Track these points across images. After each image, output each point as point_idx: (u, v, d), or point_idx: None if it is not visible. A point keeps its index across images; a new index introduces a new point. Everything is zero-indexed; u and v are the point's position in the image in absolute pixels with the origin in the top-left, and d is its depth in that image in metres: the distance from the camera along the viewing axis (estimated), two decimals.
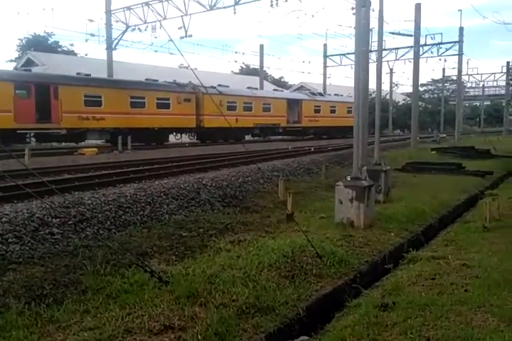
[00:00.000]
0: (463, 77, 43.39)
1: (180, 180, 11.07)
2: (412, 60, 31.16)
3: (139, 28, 28.54)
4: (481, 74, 56.92)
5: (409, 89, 44.93)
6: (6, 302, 4.49)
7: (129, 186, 10.55)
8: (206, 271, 5.51)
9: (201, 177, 11.76)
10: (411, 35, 29.69)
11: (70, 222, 7.26)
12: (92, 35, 28.86)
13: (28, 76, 22.20)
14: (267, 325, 4.37)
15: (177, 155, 18.33)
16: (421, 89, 65.92)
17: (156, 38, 28.64)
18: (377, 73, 12.34)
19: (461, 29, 35.43)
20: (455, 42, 35.80)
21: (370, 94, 24.45)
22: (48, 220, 7.18)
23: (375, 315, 4.49)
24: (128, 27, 28.74)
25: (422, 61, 33.11)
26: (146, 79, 27.34)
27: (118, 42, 29.47)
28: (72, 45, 50.67)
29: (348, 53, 40.35)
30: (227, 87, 31.78)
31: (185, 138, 30.69)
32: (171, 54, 30.84)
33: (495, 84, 65.55)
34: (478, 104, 78.83)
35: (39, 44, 46.50)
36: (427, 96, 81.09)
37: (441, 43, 35.87)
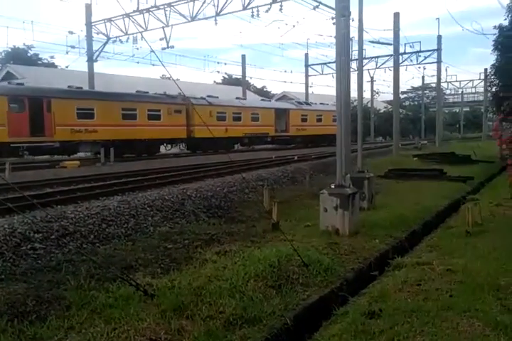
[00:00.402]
0: (442, 84, 44.11)
1: (165, 192, 11.02)
2: (392, 68, 31.60)
3: (120, 40, 28.48)
4: (460, 81, 58.18)
5: (390, 97, 45.50)
6: None
7: (113, 199, 10.46)
8: (192, 283, 5.46)
9: (185, 188, 11.73)
10: (390, 44, 30.10)
11: (53, 237, 7.17)
12: (73, 47, 28.73)
13: (22, 90, 22.29)
14: (254, 336, 4.33)
15: (161, 166, 18.24)
16: (401, 96, 66.88)
17: (137, 49, 28.63)
18: (358, 81, 12.51)
19: (440, 37, 36.13)
20: (434, 50, 36.45)
21: (352, 103, 24.68)
22: (30, 235, 7.08)
23: (362, 323, 4.49)
24: (109, 39, 28.68)
25: (401, 69, 33.71)
26: (136, 91, 27.63)
27: (99, 54, 29.36)
28: (52, 57, 50.46)
29: (329, 62, 40.79)
30: (217, 97, 32.31)
31: (176, 149, 30.91)
32: (153, 65, 30.90)
33: (473, 90, 66.86)
34: (457, 110, 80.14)
35: (19, 57, 46.13)
36: (407, 103, 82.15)
37: (420, 51, 36.54)
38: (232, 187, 12.43)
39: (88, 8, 28.24)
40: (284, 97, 59.16)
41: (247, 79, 44.69)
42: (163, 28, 26.69)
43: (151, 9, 26.09)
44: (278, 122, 36.29)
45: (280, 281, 5.62)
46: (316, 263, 6.14)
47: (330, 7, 23.83)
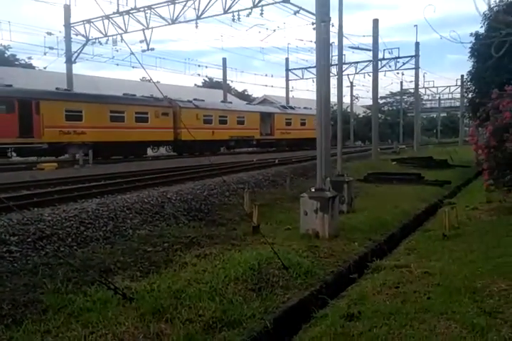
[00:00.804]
0: (420, 90, 44.69)
1: (144, 194, 10.91)
2: (371, 74, 31.98)
3: (99, 42, 28.18)
4: (437, 87, 59.37)
5: (369, 102, 46.11)
6: None
7: (91, 201, 10.33)
8: (172, 286, 5.43)
9: (165, 190, 11.64)
10: (370, 50, 30.47)
11: (29, 240, 7.04)
12: (51, 48, 28.32)
13: (10, 91, 22.28)
14: (234, 340, 4.32)
15: (140, 168, 18.08)
16: (380, 101, 67.71)
17: (117, 51, 28.41)
18: (338, 86, 12.63)
19: (417, 44, 36.67)
20: (412, 56, 37.00)
21: (332, 107, 24.90)
22: (6, 238, 6.94)
23: (342, 325, 4.52)
24: (88, 40, 28.35)
25: (380, 74, 34.19)
26: (124, 94, 27.69)
27: (78, 55, 29.00)
28: (30, 58, 49.66)
29: (310, 67, 41.05)
30: (203, 101, 32.63)
31: (162, 152, 31.07)
32: (133, 67, 30.79)
33: (450, 96, 68.02)
34: (434, 115, 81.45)
35: None
36: (386, 108, 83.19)
37: (399, 57, 37.06)
38: (213, 190, 12.39)
39: (67, 9, 27.90)
40: (265, 101, 59.25)
41: (228, 82, 44.70)
42: (143, 30, 26.53)
43: (131, 11, 25.89)
44: (263, 126, 36.77)
45: (260, 284, 5.62)
46: (296, 266, 6.16)
47: (310, 12, 23.97)
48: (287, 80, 45.11)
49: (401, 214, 10.59)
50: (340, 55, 13.05)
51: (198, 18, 24.79)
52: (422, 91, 53.43)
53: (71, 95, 24.82)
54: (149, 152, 29.51)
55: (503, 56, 11.50)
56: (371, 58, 31.29)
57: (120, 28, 26.62)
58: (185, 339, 4.16)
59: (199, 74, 40.95)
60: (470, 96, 23.78)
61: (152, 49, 27.73)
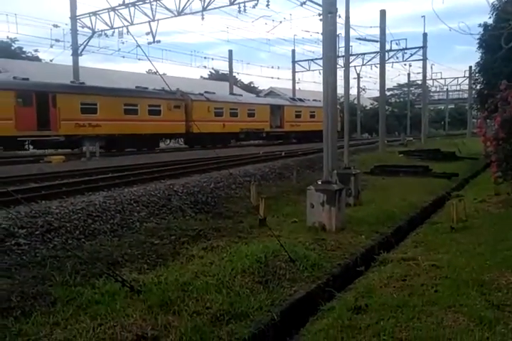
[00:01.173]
0: (427, 81, 44.46)
1: (151, 187, 10.94)
2: (378, 65, 31.76)
3: (105, 34, 28.17)
4: (445, 78, 58.64)
5: (376, 94, 45.87)
6: None
7: (98, 194, 10.38)
8: (179, 278, 5.45)
9: (172, 183, 11.66)
10: (377, 41, 30.23)
11: (38, 232, 7.08)
12: (57, 40, 28.37)
13: (29, 85, 22.65)
14: (241, 332, 4.33)
15: (147, 161, 18.12)
16: (387, 93, 67.18)
17: (123, 43, 28.39)
18: (344, 78, 12.54)
19: (425, 35, 36.36)
20: (419, 47, 36.69)
21: (339, 99, 24.77)
22: (14, 231, 6.99)
23: (349, 318, 4.52)
24: (94, 32, 28.34)
25: (387, 66, 33.90)
26: (136, 87, 28.00)
27: (84, 47, 29.01)
28: (36, 51, 49.70)
29: (316, 59, 40.84)
30: (214, 93, 33.00)
31: (174, 144, 31.59)
32: (139, 60, 30.69)
33: (458, 88, 67.47)
34: (442, 107, 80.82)
35: (2, 50, 45.37)
36: (393, 100, 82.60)
37: (406, 49, 36.73)
38: (219, 183, 12.40)
39: (73, 1, 27.86)
40: (271, 93, 59.14)
41: (234, 74, 44.58)
42: (149, 22, 26.45)
43: (137, 3, 25.84)
44: (273, 118, 36.92)
45: (267, 277, 5.63)
46: (302, 259, 6.16)
47: (317, 4, 23.82)
48: (293, 72, 44.93)
49: (408, 206, 10.55)
50: (347, 46, 12.97)
51: (204, 9, 24.69)
52: (429, 82, 53.16)
53: (86, 88, 25.13)
54: (161, 144, 29.90)
55: None
56: (378, 49, 31.05)
57: (126, 20, 26.59)
58: (192, 332, 4.17)
59: (205, 67, 40.95)
60: (478, 87, 23.55)
61: (158, 41, 27.70)
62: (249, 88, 66.54)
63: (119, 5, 26.11)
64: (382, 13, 28.67)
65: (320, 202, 8.28)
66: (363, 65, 41.15)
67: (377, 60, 34.25)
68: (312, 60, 42.35)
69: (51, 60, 33.06)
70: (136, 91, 27.58)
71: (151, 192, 10.35)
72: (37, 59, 49.22)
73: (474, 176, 17.63)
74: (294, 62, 44.42)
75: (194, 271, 5.71)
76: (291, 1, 24.67)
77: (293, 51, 44.00)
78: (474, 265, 5.88)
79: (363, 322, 4.41)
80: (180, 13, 25.26)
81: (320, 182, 8.62)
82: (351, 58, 34.24)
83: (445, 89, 68.95)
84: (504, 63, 19.39)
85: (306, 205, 8.59)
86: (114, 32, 27.67)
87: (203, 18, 25.22)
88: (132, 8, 26.13)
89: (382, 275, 5.82)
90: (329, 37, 9.31)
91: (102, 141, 24.85)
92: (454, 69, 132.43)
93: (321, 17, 9.96)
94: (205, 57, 38.98)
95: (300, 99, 41.01)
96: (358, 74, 46.57)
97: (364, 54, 39.70)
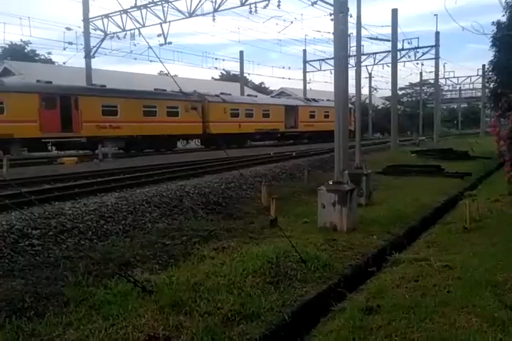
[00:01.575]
0: (440, 80, 44.08)
1: (162, 188, 11.01)
2: (390, 65, 31.59)
3: (117, 36, 28.37)
4: (458, 77, 58.12)
5: (388, 93, 45.66)
6: None
7: (110, 195, 10.45)
8: (190, 279, 5.47)
9: (183, 184, 11.72)
10: (388, 40, 30.09)
11: (51, 233, 7.16)
12: (70, 43, 28.61)
13: (52, 88, 23.21)
14: (252, 332, 4.34)
15: (158, 162, 18.21)
16: (399, 92, 66.78)
17: (135, 45, 28.57)
18: (356, 78, 12.48)
19: (437, 33, 36.06)
20: (431, 46, 36.39)
21: (350, 99, 24.70)
22: (28, 232, 7.07)
23: (360, 319, 4.50)
24: (106, 35, 28.56)
25: (399, 65, 33.74)
26: (154, 89, 28.28)
27: (96, 50, 29.25)
28: (49, 53, 50.22)
29: (327, 58, 40.73)
30: (230, 94, 33.44)
31: (191, 145, 32.22)
32: (151, 61, 30.89)
33: (471, 86, 66.78)
34: (455, 106, 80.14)
35: (16, 53, 45.97)
36: (405, 99, 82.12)
37: (418, 47, 36.47)
38: (230, 184, 12.43)
39: (85, 4, 28.10)
40: (282, 93, 59.14)
41: (245, 75, 44.67)
42: (160, 24, 26.60)
43: (149, 5, 25.99)
44: (287, 118, 37.09)
45: (278, 277, 5.62)
46: (313, 260, 6.14)
47: (328, 3, 23.75)
48: (305, 72, 44.86)
49: (420, 206, 10.47)
50: (359, 45, 12.89)
51: (215, 10, 24.75)
52: (442, 81, 52.69)
53: (107, 91, 25.63)
54: (178, 145, 30.42)
55: None
56: (390, 49, 30.89)
57: (138, 22, 26.78)
58: (204, 332, 4.19)
59: (216, 68, 40.99)
60: (491, 86, 23.34)
61: (170, 43, 27.84)
62: (260, 88, 66.57)
63: (131, 7, 26.29)
64: (394, 12, 28.53)
65: (331, 203, 8.25)
66: (374, 64, 40.96)
67: (388, 59, 34.14)
68: (323, 59, 42.25)
69: (64, 63, 33.55)
70: (154, 93, 27.98)
71: (162, 192, 10.41)
72: (50, 61, 49.72)
73: (488, 176, 17.43)
74: (305, 62, 44.36)
75: (205, 272, 5.72)
76: (302, 1, 24.66)
77: (304, 51, 43.99)
78: (488, 265, 5.81)
79: (374, 323, 4.39)
80: (191, 14, 25.36)
81: (331, 183, 8.59)
82: (363, 58, 34.12)
83: (458, 88, 68.33)
84: None
85: (317, 206, 8.57)
86: (126, 34, 27.88)
87: (214, 19, 25.33)
88: (144, 10, 26.31)
89: (394, 275, 5.78)
90: (340, 36, 9.27)
91: (122, 142, 25.60)
92: (466, 67, 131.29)
93: (332, 17, 9.95)
94: (216, 58, 38.92)
95: (314, 100, 41.08)
96: (370, 74, 46.35)
97: (376, 53, 39.55)
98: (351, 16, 13.21)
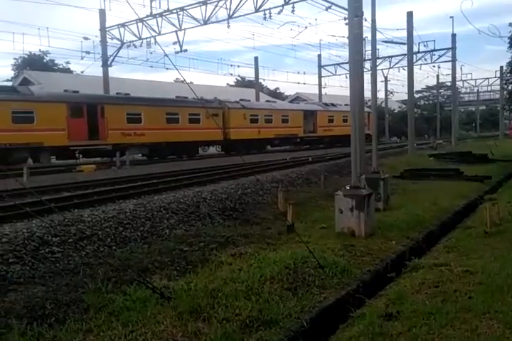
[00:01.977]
0: (457, 82, 43.67)
1: (180, 195, 11.06)
2: (406, 68, 31.38)
3: (133, 44, 28.76)
4: (475, 79, 57.38)
5: (405, 97, 45.29)
6: (8, 323, 4.45)
7: (129, 202, 10.54)
8: (208, 285, 5.48)
9: (200, 190, 11.76)
10: (404, 43, 29.88)
11: (70, 240, 7.24)
12: (88, 52, 29.07)
13: (79, 97, 24.01)
14: (271, 339, 4.33)
15: (175, 169, 18.33)
16: (416, 96, 66.29)
17: (151, 53, 28.89)
18: (372, 81, 12.44)
19: (454, 36, 35.76)
20: (448, 48, 36.10)
21: (366, 103, 24.58)
22: (48, 239, 7.16)
23: (380, 325, 4.46)
24: (123, 43, 28.94)
25: (415, 68, 33.42)
26: (176, 97, 28.75)
27: (113, 58, 29.67)
28: (67, 62, 50.94)
29: (343, 63, 40.66)
30: (249, 101, 34.07)
31: (212, 150, 32.64)
32: (167, 69, 31.20)
33: (489, 89, 65.96)
34: (473, 109, 79.21)
35: (35, 63, 46.74)
36: (422, 102, 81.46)
37: (435, 50, 36.24)
38: (247, 189, 12.44)
39: (102, 13, 28.52)
40: (297, 99, 59.09)
41: (260, 81, 44.75)
42: (176, 31, 26.87)
43: (164, 13, 26.27)
44: (306, 123, 37.31)
45: (296, 283, 5.60)
46: (332, 265, 6.11)
47: (342, 8, 23.77)
48: (320, 77, 44.81)
49: (439, 211, 10.35)
50: (374, 49, 12.87)
51: (230, 17, 24.93)
52: (459, 84, 52.14)
53: (131, 99, 26.28)
54: (200, 151, 30.82)
55: None
56: (405, 52, 30.68)
57: (154, 30, 27.08)
58: (222, 338, 4.19)
59: (231, 74, 41.16)
60: (510, 87, 23.01)
61: (185, 50, 28.13)
62: (276, 94, 66.60)
63: (147, 16, 26.60)
64: (409, 14, 28.34)
65: (349, 208, 8.21)
66: (390, 67, 40.82)
67: (404, 62, 33.96)
68: (338, 64, 42.22)
69: (82, 72, 33.81)
70: (176, 100, 28.46)
71: (179, 199, 10.46)
72: (68, 71, 50.44)
73: (508, 179, 17.18)
74: (320, 66, 44.32)
75: (223, 278, 5.73)
76: (316, 6, 24.72)
77: (319, 56, 43.93)
78: (509, 270, 5.71)
79: (394, 330, 4.35)
80: (206, 21, 25.57)
81: (348, 188, 8.55)
82: (378, 61, 33.90)
83: (475, 90, 67.57)
84: None
85: (334, 211, 8.53)
86: (142, 42, 28.23)
87: (228, 26, 25.52)
88: (160, 19, 26.61)
89: (413, 281, 5.72)
90: (355, 40, 9.28)
91: (146, 149, 26.26)
92: (484, 69, 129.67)
93: (347, 21, 9.94)
94: (231, 65, 39.13)
95: (332, 104, 41.16)
96: (386, 77, 46.16)
97: (391, 57, 39.35)
98: (366, 20, 13.26)
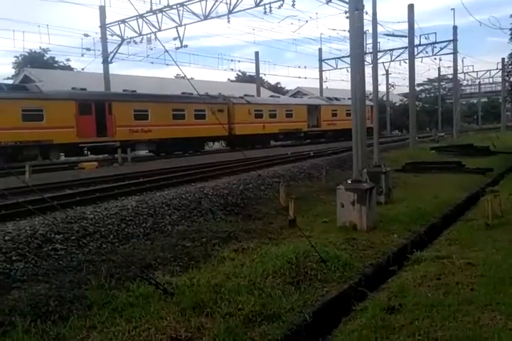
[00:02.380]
0: (459, 75, 43.41)
1: (182, 191, 11.08)
2: (407, 61, 31.26)
3: (134, 41, 28.63)
4: (477, 71, 57.15)
5: (406, 90, 45.12)
6: (12, 321, 4.48)
7: (131, 199, 10.55)
8: (211, 280, 5.50)
9: (202, 186, 11.77)
10: (405, 36, 29.78)
11: (73, 237, 7.27)
12: (88, 49, 29.01)
13: (87, 94, 24.30)
14: (274, 333, 4.34)
15: (177, 165, 18.34)
16: (417, 88, 66.06)
17: (151, 49, 28.79)
18: (373, 75, 12.39)
19: (455, 28, 35.54)
20: (449, 41, 35.89)
21: (367, 96, 24.51)
22: (51, 236, 7.19)
23: (382, 318, 4.47)
24: (123, 40, 28.84)
25: (417, 61, 33.32)
26: (182, 93, 28.86)
27: (114, 55, 29.57)
28: (68, 60, 50.83)
29: (343, 56, 40.48)
30: (253, 96, 34.39)
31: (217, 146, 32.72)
32: (167, 65, 31.10)
33: (491, 81, 65.68)
34: (475, 101, 78.86)
35: (35, 60, 46.68)
36: (423, 95, 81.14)
37: (436, 42, 36.03)
38: (248, 185, 12.45)
39: (102, 10, 28.43)
40: (298, 93, 58.96)
41: (260, 76, 44.67)
42: (176, 27, 26.76)
43: (164, 9, 26.17)
44: (310, 118, 37.44)
45: (298, 278, 5.62)
46: (334, 259, 6.12)
47: (343, 1, 23.58)
48: (321, 71, 44.66)
49: (441, 203, 10.34)
50: (375, 42, 12.80)
51: (230, 12, 24.82)
52: (461, 76, 51.89)
53: (138, 96, 26.49)
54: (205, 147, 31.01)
55: None
56: (407, 45, 30.55)
57: (154, 26, 26.97)
58: (225, 333, 4.21)
59: (232, 69, 41.00)
60: (511, 79, 22.88)
61: (185, 46, 28.00)
62: (276, 89, 66.47)
63: (147, 12, 26.51)
64: (410, 7, 28.20)
65: (350, 202, 8.21)
66: (391, 60, 40.60)
67: (406, 55, 33.81)
68: (339, 58, 42.04)
69: (83, 69, 33.86)
70: (182, 97, 28.61)
71: (181, 195, 10.48)
72: (69, 68, 50.36)
73: (510, 171, 17.16)
74: (320, 60, 44.17)
75: (226, 273, 5.75)
76: (317, 0, 24.57)
77: (320, 50, 43.76)
78: (511, 262, 5.73)
79: (397, 322, 4.36)
80: (206, 17, 25.47)
81: (350, 181, 8.55)
82: (379, 54, 33.84)
83: (477, 83, 67.21)
84: None
85: (336, 205, 8.53)
86: (142, 39, 28.13)
87: (229, 21, 25.42)
88: (160, 15, 26.50)
89: (415, 274, 5.74)
90: (356, 34, 9.22)
91: (153, 145, 26.53)
92: (486, 61, 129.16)
93: (348, 14, 9.89)
94: (231, 60, 39.04)
95: (336, 98, 41.26)
96: (387, 71, 45.93)
97: (392, 50, 39.18)
98: (367, 13, 13.15)
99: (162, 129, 26.17)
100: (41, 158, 22.07)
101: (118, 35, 28.86)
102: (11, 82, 40.59)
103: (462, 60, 48.89)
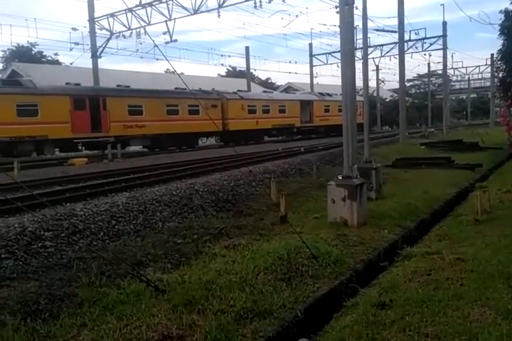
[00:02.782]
0: (448, 70, 43.70)
1: (172, 187, 11.04)
2: (397, 56, 31.34)
3: (123, 35, 28.49)
4: (466, 67, 57.60)
5: (396, 85, 45.16)
6: (2, 319, 4.43)
7: (121, 195, 10.51)
8: (202, 277, 5.48)
9: (193, 182, 11.74)
10: (395, 32, 29.85)
11: (63, 235, 7.21)
12: (77, 43, 28.79)
13: (82, 90, 24.29)
14: (265, 329, 4.35)
15: (167, 161, 18.27)
16: (407, 84, 66.36)
17: (141, 44, 28.65)
18: (363, 70, 12.39)
19: (445, 23, 35.75)
20: (439, 36, 36.09)
21: (358, 92, 24.53)
22: (41, 234, 7.13)
23: (373, 314, 4.49)
24: (112, 34, 28.65)
25: (407, 57, 33.45)
26: (175, 88, 28.69)
27: (103, 49, 29.37)
28: (56, 54, 50.34)
29: (334, 52, 40.56)
30: (247, 91, 34.60)
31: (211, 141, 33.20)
32: (157, 59, 30.99)
33: (480, 76, 66.14)
34: (464, 97, 79.40)
35: (23, 55, 46.18)
36: (413, 91, 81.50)
37: (426, 38, 36.21)
38: (239, 181, 12.43)
39: (91, 3, 28.20)
40: (288, 88, 58.94)
41: (251, 71, 44.58)
42: (166, 21, 26.64)
43: (154, 3, 26.02)
44: (303, 113, 37.65)
45: (290, 274, 5.62)
46: (325, 255, 6.13)
47: None
48: (311, 66, 44.73)
49: (431, 199, 10.41)
50: (365, 38, 12.77)
51: (220, 6, 24.75)
52: (450, 72, 52.29)
53: (132, 91, 26.45)
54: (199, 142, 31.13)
55: None
56: (397, 40, 30.63)
57: (143, 20, 26.84)
58: (217, 330, 4.20)
59: (222, 64, 41.04)
60: (501, 75, 22.98)
61: (175, 40, 27.91)
62: (267, 84, 66.41)
63: (136, 6, 26.36)
64: (400, 2, 28.22)
65: (341, 198, 8.23)
66: (381, 56, 40.81)
67: (396, 50, 33.88)
68: (330, 53, 42.13)
69: (71, 63, 33.54)
70: (176, 92, 28.48)
71: (172, 191, 10.44)
72: (57, 62, 49.86)
73: (499, 166, 17.30)
74: (311, 55, 44.22)
75: (217, 270, 5.74)
76: None
77: (310, 45, 43.87)
78: (500, 257, 5.78)
79: (388, 318, 4.38)
80: (196, 11, 25.37)
81: (340, 177, 8.56)
82: (369, 50, 33.87)
83: (466, 78, 67.78)
84: None
85: (327, 201, 8.55)
86: (131, 33, 28.02)
87: (219, 16, 25.38)
88: (149, 9, 26.38)
89: (406, 270, 5.76)
90: (346, 29, 9.19)
91: (148, 141, 26.54)
92: (475, 57, 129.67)
93: (338, 9, 9.87)
94: (222, 55, 39.09)
95: (328, 94, 41.38)
96: (377, 66, 46.07)
97: (382, 45, 39.35)
98: (357, 8, 13.10)
99: (156, 125, 26.21)
100: (36, 154, 21.96)
101: (107, 29, 28.67)
102: None
103: (452, 56, 49.23)
